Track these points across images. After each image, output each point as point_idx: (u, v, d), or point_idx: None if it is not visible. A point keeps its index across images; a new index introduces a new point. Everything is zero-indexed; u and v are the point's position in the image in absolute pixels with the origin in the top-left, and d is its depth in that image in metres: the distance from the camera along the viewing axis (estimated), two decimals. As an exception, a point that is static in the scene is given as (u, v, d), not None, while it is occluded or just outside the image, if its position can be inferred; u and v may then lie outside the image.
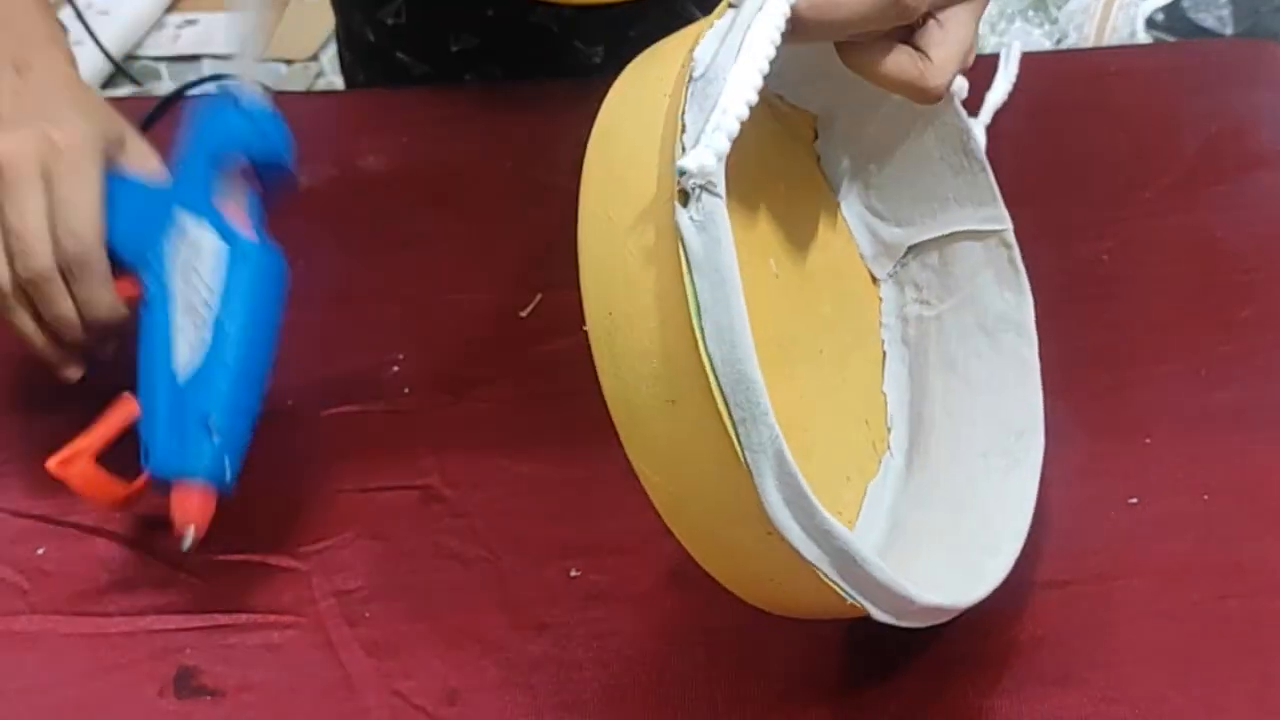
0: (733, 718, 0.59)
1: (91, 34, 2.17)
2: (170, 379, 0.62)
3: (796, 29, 0.50)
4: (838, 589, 0.49)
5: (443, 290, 0.78)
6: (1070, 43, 2.10)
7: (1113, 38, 2.03)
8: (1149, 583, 0.62)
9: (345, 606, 0.64)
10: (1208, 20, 2.00)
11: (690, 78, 0.46)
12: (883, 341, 0.66)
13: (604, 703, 0.60)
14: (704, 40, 0.47)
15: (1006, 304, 0.65)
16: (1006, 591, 0.61)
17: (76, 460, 0.62)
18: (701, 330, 0.43)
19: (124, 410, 0.63)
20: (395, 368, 0.74)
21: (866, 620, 0.61)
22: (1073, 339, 0.72)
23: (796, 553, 0.47)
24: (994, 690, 0.59)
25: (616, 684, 0.60)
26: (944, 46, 0.54)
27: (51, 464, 0.62)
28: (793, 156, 0.63)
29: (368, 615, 0.64)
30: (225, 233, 0.61)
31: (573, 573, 0.64)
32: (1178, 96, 0.87)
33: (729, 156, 0.44)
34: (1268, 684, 0.58)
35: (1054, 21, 2.21)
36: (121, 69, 2.26)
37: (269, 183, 0.63)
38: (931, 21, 0.54)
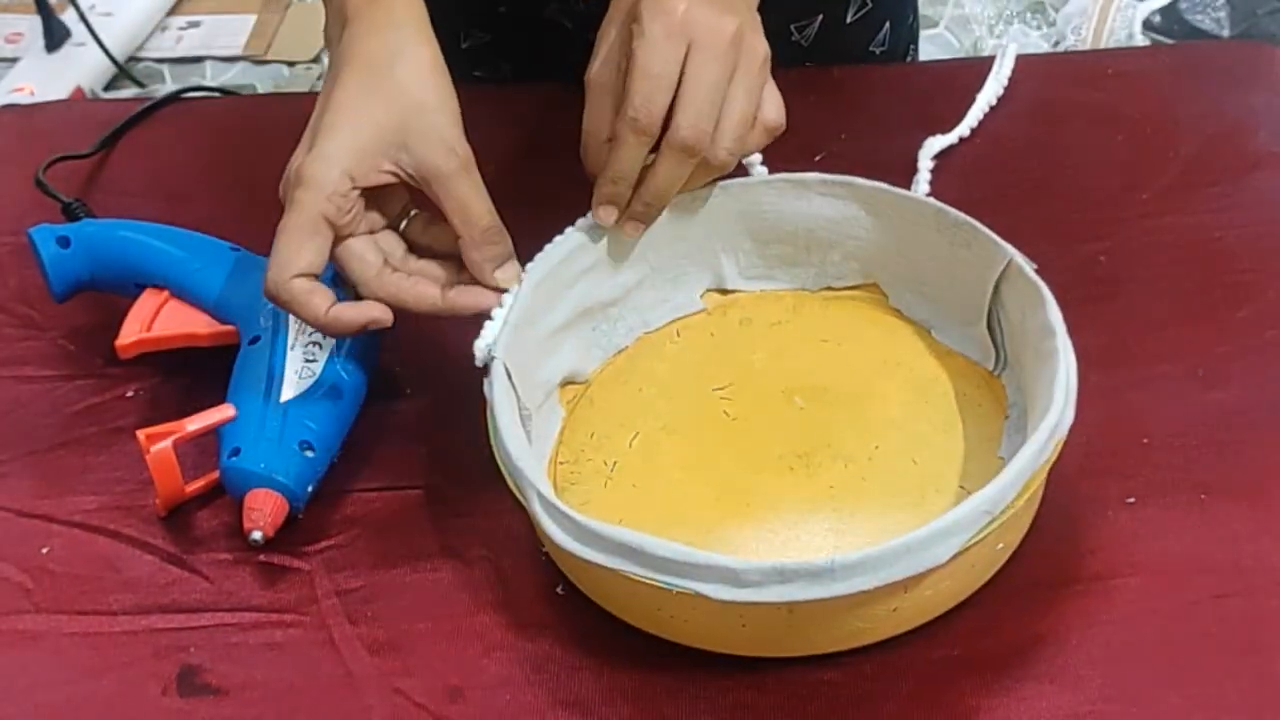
0: (731, 717, 0.59)
1: (94, 35, 2.18)
2: (275, 398, 0.68)
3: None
4: (654, 582, 0.57)
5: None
6: (1068, 45, 2.10)
7: (1110, 40, 2.04)
8: (1147, 582, 0.62)
9: (347, 605, 0.65)
10: (1205, 22, 2.00)
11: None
12: (1007, 418, 0.67)
13: (605, 702, 0.60)
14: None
15: (1038, 308, 0.65)
16: (1006, 591, 0.62)
17: (162, 438, 0.66)
18: (495, 441, 0.63)
19: (220, 412, 0.67)
20: (397, 368, 0.75)
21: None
22: (1070, 339, 0.72)
23: (593, 563, 0.58)
24: (994, 690, 0.59)
25: (617, 683, 0.61)
26: (717, 134, 0.65)
27: (141, 434, 0.66)
28: (867, 322, 0.73)
29: (370, 614, 0.64)
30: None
31: (574, 572, 0.65)
32: (1175, 98, 0.87)
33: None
34: (1265, 682, 0.58)
35: (1052, 24, 2.21)
36: (124, 70, 2.26)
37: None
38: None
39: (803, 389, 0.69)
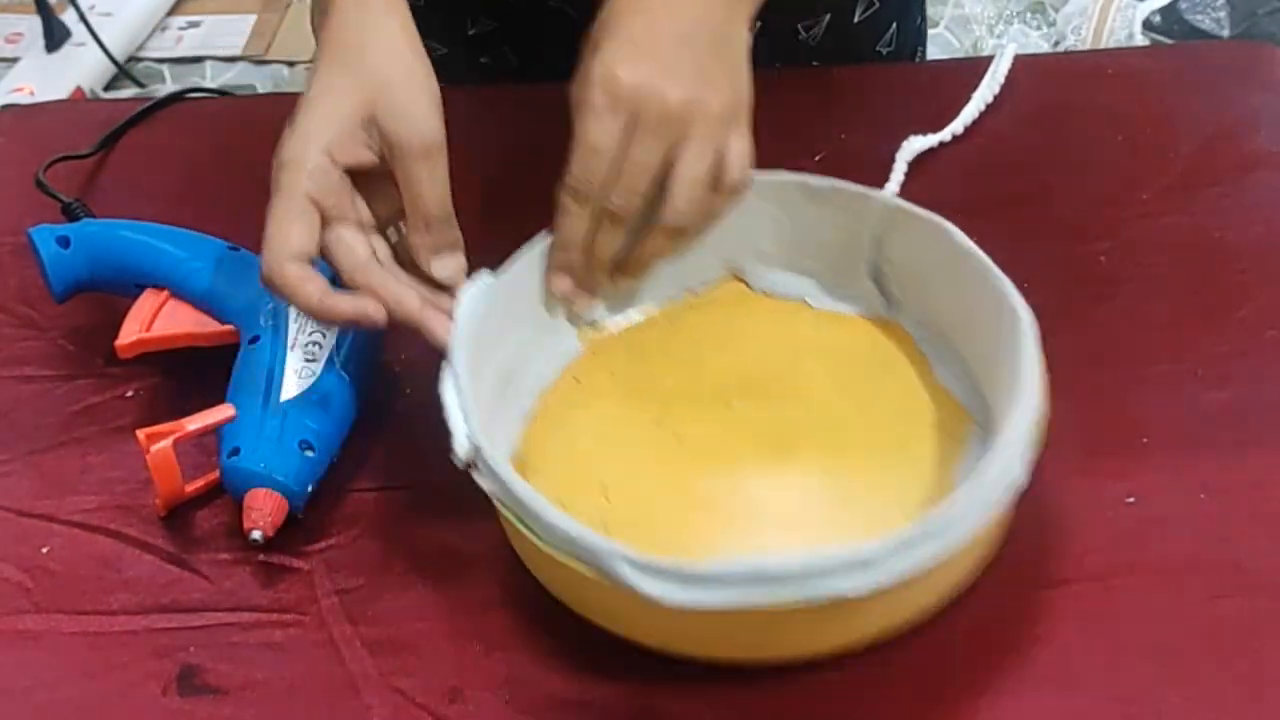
0: (733, 716, 0.59)
1: (94, 35, 2.18)
2: (275, 398, 0.68)
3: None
4: (792, 604, 0.55)
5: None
6: (1068, 45, 2.10)
7: (1110, 40, 2.04)
8: (1146, 582, 0.62)
9: (347, 605, 0.65)
10: (1204, 22, 2.00)
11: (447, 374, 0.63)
12: (922, 351, 0.70)
13: (606, 702, 0.60)
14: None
15: (941, 239, 0.68)
16: (1006, 591, 0.62)
17: (162, 438, 0.66)
18: (541, 527, 0.59)
19: (220, 412, 0.67)
20: (397, 368, 0.75)
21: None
22: (1070, 339, 0.72)
23: (715, 607, 0.55)
24: (994, 690, 0.59)
25: (619, 683, 0.61)
26: (668, 193, 0.65)
27: (141, 433, 0.66)
28: (746, 313, 0.74)
29: (370, 613, 0.64)
30: None
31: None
32: (1175, 98, 0.87)
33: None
34: (1264, 682, 0.58)
35: (1052, 24, 2.21)
36: (124, 70, 2.26)
37: None
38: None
39: (732, 391, 0.69)
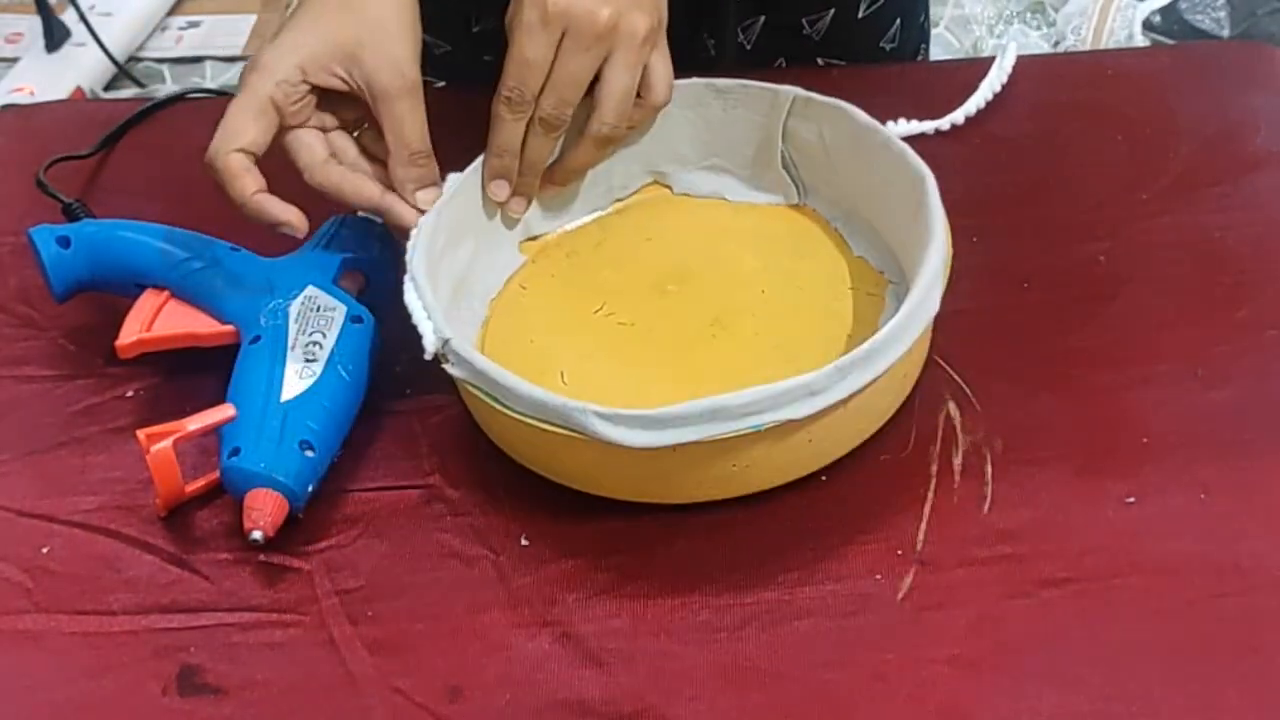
0: (730, 718, 0.59)
1: (94, 35, 2.18)
2: (275, 398, 0.68)
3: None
4: (742, 432, 0.61)
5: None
6: (1068, 45, 2.10)
7: (1110, 40, 2.04)
8: (1146, 581, 0.62)
9: (347, 605, 0.65)
10: (1205, 22, 2.00)
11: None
12: (835, 229, 0.77)
13: (605, 701, 0.60)
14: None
15: (843, 120, 0.74)
16: (1006, 591, 0.62)
17: (162, 438, 0.66)
18: (512, 399, 0.64)
19: (221, 412, 0.68)
20: (397, 368, 0.75)
21: (862, 620, 0.62)
22: (1070, 339, 0.73)
23: (678, 444, 0.62)
24: (994, 690, 0.59)
25: (617, 682, 0.61)
26: (597, 105, 0.71)
27: (141, 433, 0.66)
28: (670, 213, 0.80)
29: (370, 614, 0.64)
30: (344, 300, 0.73)
31: (574, 571, 0.65)
32: (1175, 98, 0.87)
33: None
34: (1264, 681, 0.58)
35: (1052, 24, 2.21)
36: (124, 70, 2.26)
37: (372, 281, 0.77)
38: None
39: (666, 280, 0.75)
